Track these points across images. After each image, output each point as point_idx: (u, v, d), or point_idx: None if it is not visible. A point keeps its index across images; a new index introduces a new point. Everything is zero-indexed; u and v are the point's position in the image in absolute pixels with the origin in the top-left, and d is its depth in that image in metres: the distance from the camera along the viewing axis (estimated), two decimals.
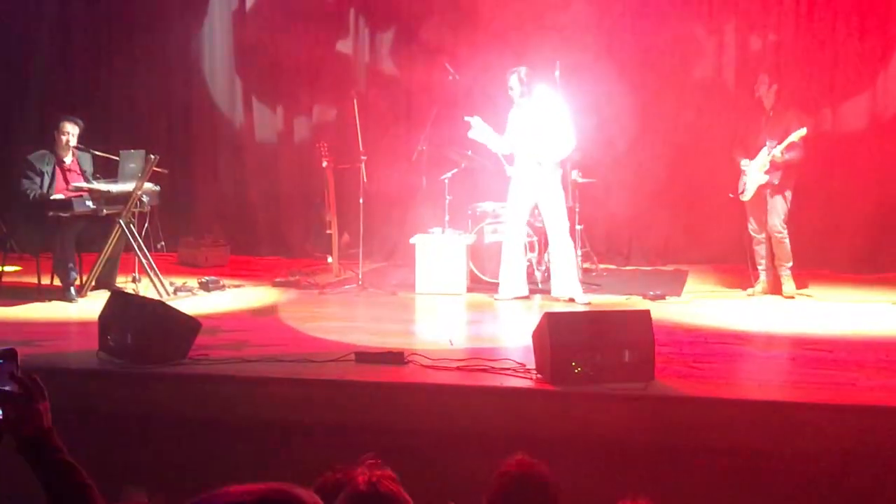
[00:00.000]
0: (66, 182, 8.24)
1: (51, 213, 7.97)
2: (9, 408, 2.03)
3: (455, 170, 9.10)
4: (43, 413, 2.05)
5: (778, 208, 8.18)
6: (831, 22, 9.50)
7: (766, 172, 8.09)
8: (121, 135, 10.71)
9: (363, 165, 8.81)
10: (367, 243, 9.04)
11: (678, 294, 8.41)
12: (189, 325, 5.92)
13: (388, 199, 10.16)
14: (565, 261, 8.00)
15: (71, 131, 8.27)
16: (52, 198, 8.02)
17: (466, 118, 8.20)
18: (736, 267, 8.96)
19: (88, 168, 8.45)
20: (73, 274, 8.10)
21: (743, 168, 8.24)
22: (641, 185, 9.97)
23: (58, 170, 8.24)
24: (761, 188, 8.15)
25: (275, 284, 8.87)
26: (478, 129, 8.16)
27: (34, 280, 8.31)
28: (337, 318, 7.58)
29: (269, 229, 10.92)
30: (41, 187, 8.12)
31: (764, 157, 8.07)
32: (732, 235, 8.97)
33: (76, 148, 8.32)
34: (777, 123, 8.12)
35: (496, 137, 8.17)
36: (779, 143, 7.99)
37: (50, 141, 8.34)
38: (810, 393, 5.33)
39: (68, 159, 8.33)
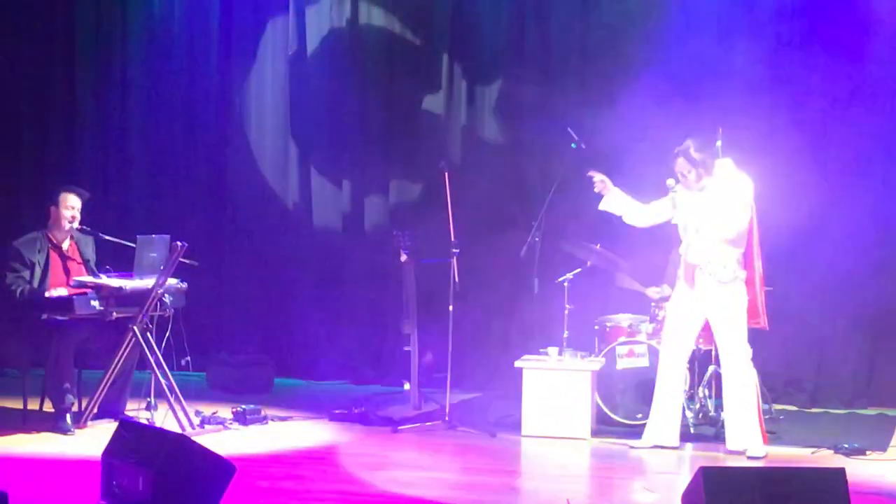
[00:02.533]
0: (66, 274, 8.48)
1: (44, 316, 8.19)
2: None
3: (578, 269, 9.14)
4: None
5: None
6: None
7: None
8: (137, 214, 11.06)
9: (455, 261, 8.90)
10: (456, 365, 9.07)
11: (883, 449, 8.25)
12: (219, 469, 5.98)
13: (487, 306, 10.22)
14: (745, 400, 7.93)
15: (75, 205, 8.54)
16: (45, 295, 8.26)
17: (591, 174, 8.26)
18: None
19: (91, 255, 8.70)
20: (70, 397, 8.27)
21: None
22: (832, 295, 9.87)
23: (54, 257, 8.49)
24: None
25: (333, 418, 8.94)
26: (612, 194, 8.22)
27: (18, 404, 8.50)
28: (416, 467, 7.58)
29: (326, 344, 11.04)
30: (30, 282, 8.36)
31: None
32: None
33: (77, 230, 8.58)
34: None
35: (634, 204, 8.23)
36: None
37: (44, 220, 8.61)
38: None
39: (66, 244, 8.59)
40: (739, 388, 7.94)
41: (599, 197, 8.35)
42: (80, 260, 8.63)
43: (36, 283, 8.36)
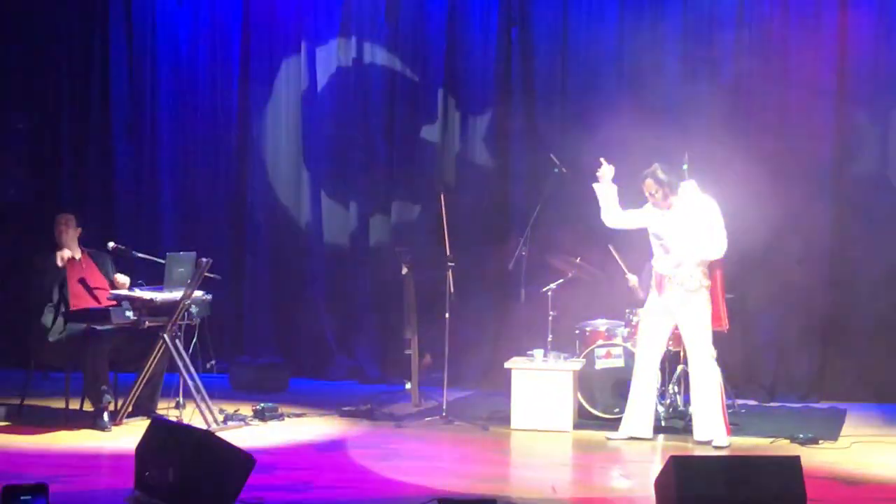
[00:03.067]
0: (84, 284, 8.49)
1: (84, 326, 8.22)
2: None
3: (561, 280, 9.14)
4: None
5: None
6: None
7: None
8: (167, 234, 11.06)
9: (450, 274, 8.89)
10: (452, 366, 9.07)
11: (834, 438, 8.23)
12: (241, 461, 5.96)
13: (480, 314, 10.22)
14: (711, 395, 7.92)
15: (61, 220, 8.59)
16: (90, 308, 8.33)
17: (602, 160, 8.25)
18: None
19: (105, 267, 8.70)
20: (108, 397, 8.27)
21: None
22: (789, 301, 9.87)
23: (71, 269, 8.49)
24: None
25: (342, 414, 8.92)
26: (606, 185, 8.23)
27: (61, 403, 8.50)
28: (416, 457, 7.57)
29: (336, 348, 11.04)
30: (50, 287, 8.39)
31: None
32: None
33: (106, 250, 8.62)
34: None
35: (615, 205, 8.22)
36: None
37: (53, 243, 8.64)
38: None
39: (77, 254, 8.60)
40: (705, 385, 7.92)
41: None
42: (98, 273, 8.63)
43: (55, 299, 8.39)
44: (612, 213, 8.24)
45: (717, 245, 7.92)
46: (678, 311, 7.97)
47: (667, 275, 7.98)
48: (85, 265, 8.62)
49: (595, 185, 8.28)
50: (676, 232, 7.94)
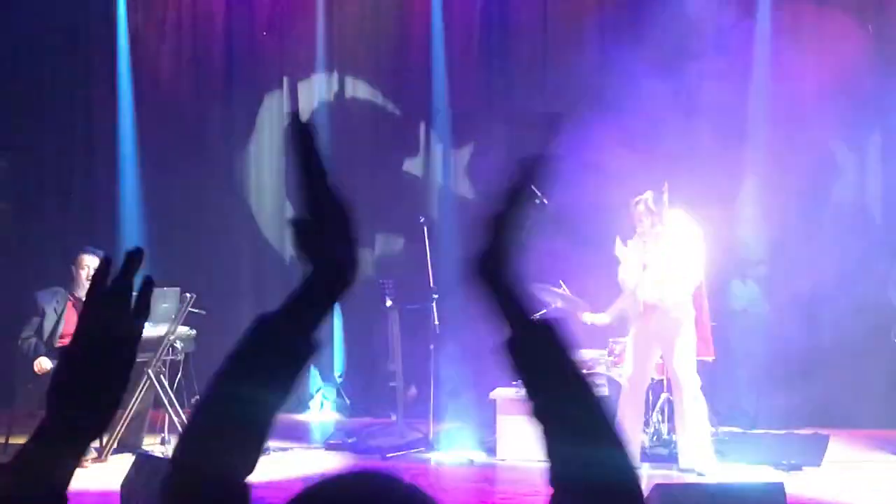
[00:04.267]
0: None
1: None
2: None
3: (544, 311, 9.14)
4: None
5: None
6: None
7: None
8: (149, 269, 11.05)
9: (434, 305, 8.92)
10: (438, 398, 9.09)
11: (817, 464, 8.27)
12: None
13: (464, 345, 10.24)
14: (695, 424, 7.95)
15: (91, 264, 8.56)
16: (55, 345, 8.31)
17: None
18: (891, 432, 8.79)
19: None
20: None
21: None
22: (771, 329, 9.92)
23: (71, 310, 8.50)
24: None
25: (329, 448, 8.93)
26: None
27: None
28: None
29: (322, 381, 11.04)
30: (40, 331, 8.37)
31: None
32: (887, 391, 8.83)
33: None
34: None
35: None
36: None
37: (67, 279, 8.63)
38: None
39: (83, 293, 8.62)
40: (690, 413, 7.95)
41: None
42: None
43: (46, 333, 8.39)
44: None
45: (690, 277, 7.98)
46: (664, 341, 8.00)
47: (653, 304, 8.01)
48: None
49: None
50: (662, 260, 7.97)
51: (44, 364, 8.29)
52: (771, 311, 9.91)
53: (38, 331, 8.42)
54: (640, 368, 8.11)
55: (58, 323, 8.44)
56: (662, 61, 10.14)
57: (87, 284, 8.43)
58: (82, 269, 8.53)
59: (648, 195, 8.02)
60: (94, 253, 8.62)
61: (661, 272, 7.98)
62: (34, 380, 8.38)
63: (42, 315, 8.43)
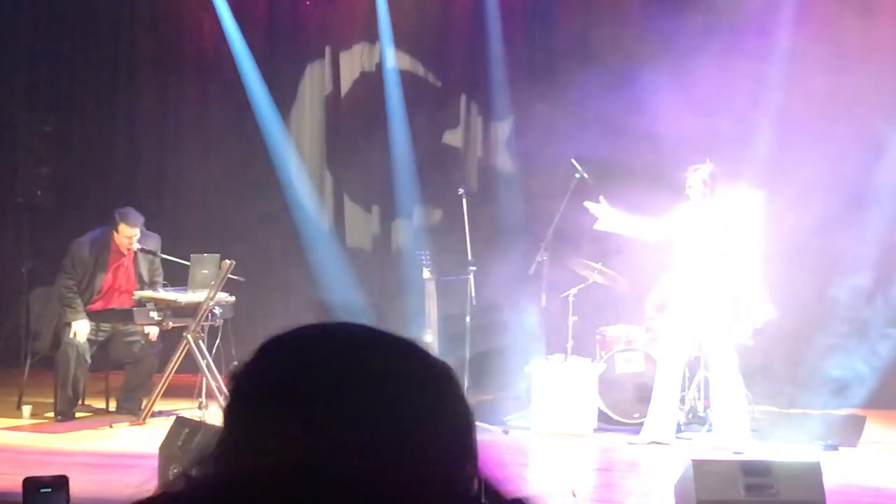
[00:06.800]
0: (115, 280, 8.59)
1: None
2: None
3: (581, 286, 9.14)
4: None
5: None
6: None
7: None
8: (191, 235, 11.11)
9: (471, 278, 8.91)
10: (473, 371, 9.08)
11: (854, 444, 8.22)
12: None
13: (501, 318, 10.23)
14: (733, 402, 7.90)
15: (131, 235, 8.55)
16: (114, 308, 8.48)
17: (587, 204, 8.23)
18: None
19: (146, 271, 8.75)
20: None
21: None
22: (810, 306, 9.84)
23: (112, 259, 8.60)
24: None
25: None
26: (606, 216, 8.19)
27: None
28: None
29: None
30: (80, 282, 8.48)
31: None
32: None
33: (141, 250, 8.65)
34: None
35: (635, 220, 8.18)
36: None
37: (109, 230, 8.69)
38: None
39: (128, 249, 8.66)
40: (728, 391, 7.91)
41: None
42: (135, 271, 8.69)
43: (85, 283, 8.46)
44: (638, 228, 8.18)
45: (752, 261, 7.91)
46: (706, 317, 7.93)
47: (698, 279, 7.94)
48: (127, 265, 8.67)
49: (596, 226, 8.26)
50: (709, 232, 7.90)
51: (77, 329, 8.36)
52: (806, 291, 9.80)
53: (75, 276, 8.49)
54: (680, 345, 8.06)
55: (94, 274, 8.49)
56: (708, 33, 10.01)
57: (124, 248, 8.49)
58: (124, 238, 8.55)
59: (707, 167, 7.95)
60: (132, 223, 8.58)
61: (710, 246, 7.89)
62: (56, 328, 8.49)
63: (83, 267, 8.50)
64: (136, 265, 8.72)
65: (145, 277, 8.72)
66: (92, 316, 8.48)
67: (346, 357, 1.44)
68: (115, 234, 8.57)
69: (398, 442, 1.40)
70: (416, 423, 1.42)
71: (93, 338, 8.46)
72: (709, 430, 8.21)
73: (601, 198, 8.24)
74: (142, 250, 8.67)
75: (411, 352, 1.50)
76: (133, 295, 8.54)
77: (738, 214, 7.94)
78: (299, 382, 1.42)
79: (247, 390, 1.47)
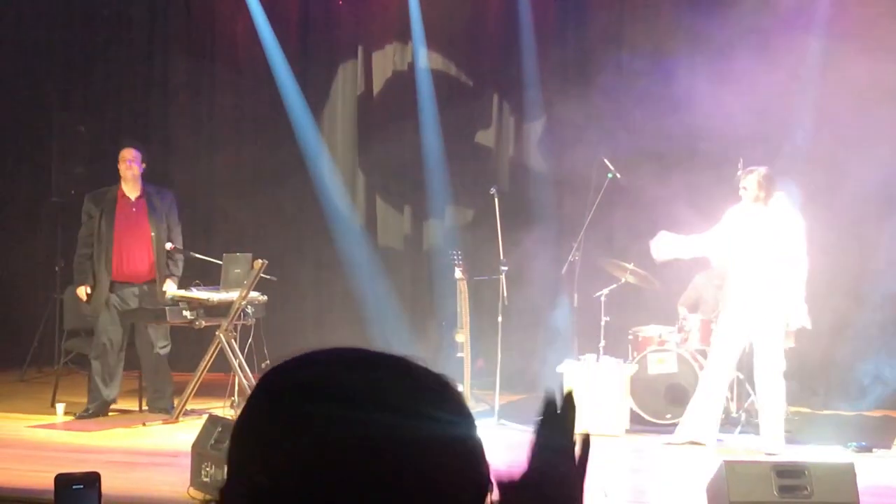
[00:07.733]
0: (128, 223, 8.65)
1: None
2: None
3: (613, 285, 9.12)
4: None
5: None
6: None
7: None
8: (224, 234, 11.18)
9: (503, 277, 8.91)
10: (505, 370, 9.08)
11: (888, 446, 8.16)
12: None
13: (532, 318, 10.22)
14: (774, 405, 7.85)
15: (126, 156, 8.67)
16: (143, 307, 8.49)
17: (652, 244, 8.17)
18: None
19: (162, 206, 8.80)
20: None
21: None
22: (844, 306, 9.77)
23: (120, 209, 8.67)
24: None
25: None
26: (664, 247, 8.14)
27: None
28: None
29: (389, 349, 11.04)
30: (91, 226, 8.61)
31: None
32: None
33: (171, 249, 8.70)
34: None
35: (692, 241, 8.12)
36: None
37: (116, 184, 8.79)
38: None
39: (133, 195, 8.69)
40: (771, 395, 7.85)
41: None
42: (147, 219, 8.72)
43: (98, 233, 8.59)
44: (702, 247, 8.10)
45: (800, 267, 7.84)
46: (757, 321, 7.87)
47: (749, 281, 7.89)
48: (136, 211, 8.70)
49: (658, 257, 8.19)
50: (761, 235, 7.83)
51: (80, 294, 8.59)
52: (840, 292, 9.72)
53: (90, 227, 8.62)
54: (729, 347, 7.96)
55: (108, 226, 8.58)
56: (743, 27, 9.92)
57: (129, 176, 8.52)
58: (121, 162, 8.66)
59: (765, 169, 7.89)
60: (131, 146, 8.76)
61: (763, 249, 7.82)
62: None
63: (87, 213, 8.65)
64: (147, 216, 8.71)
65: (155, 230, 8.70)
66: (115, 287, 8.60)
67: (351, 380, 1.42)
68: (121, 183, 8.64)
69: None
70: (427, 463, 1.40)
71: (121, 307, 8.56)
72: (741, 432, 8.16)
73: (662, 232, 8.17)
74: (174, 249, 8.73)
75: (442, 391, 1.49)
76: (150, 246, 8.62)
77: (791, 218, 7.87)
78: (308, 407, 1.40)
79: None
